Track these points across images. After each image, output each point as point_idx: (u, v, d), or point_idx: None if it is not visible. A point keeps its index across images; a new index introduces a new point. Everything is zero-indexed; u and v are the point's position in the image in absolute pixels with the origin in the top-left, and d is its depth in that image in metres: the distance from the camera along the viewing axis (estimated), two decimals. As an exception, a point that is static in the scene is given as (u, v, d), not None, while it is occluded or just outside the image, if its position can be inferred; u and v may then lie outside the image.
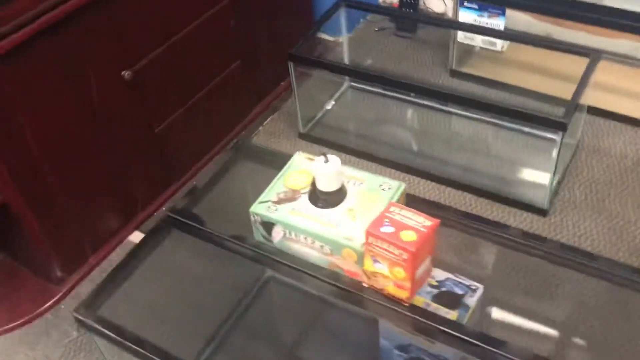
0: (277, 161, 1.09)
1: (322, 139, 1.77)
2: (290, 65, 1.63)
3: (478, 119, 1.74)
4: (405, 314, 0.87)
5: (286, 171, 1.00)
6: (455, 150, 1.72)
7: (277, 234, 0.94)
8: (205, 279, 1.04)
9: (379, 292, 0.89)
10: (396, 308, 0.87)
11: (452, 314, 0.99)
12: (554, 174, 1.41)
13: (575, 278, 1.00)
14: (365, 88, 1.92)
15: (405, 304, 0.87)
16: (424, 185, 1.62)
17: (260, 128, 1.87)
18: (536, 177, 1.60)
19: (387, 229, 0.84)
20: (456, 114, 1.78)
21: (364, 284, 0.90)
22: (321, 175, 0.90)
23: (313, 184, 0.94)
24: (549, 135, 1.62)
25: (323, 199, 0.93)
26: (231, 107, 1.79)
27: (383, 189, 0.95)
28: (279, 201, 0.95)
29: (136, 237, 1.59)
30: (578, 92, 1.36)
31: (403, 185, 0.95)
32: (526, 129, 1.66)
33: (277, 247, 0.95)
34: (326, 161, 0.90)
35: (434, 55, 2.01)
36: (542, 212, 1.50)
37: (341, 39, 1.94)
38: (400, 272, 0.85)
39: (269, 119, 1.90)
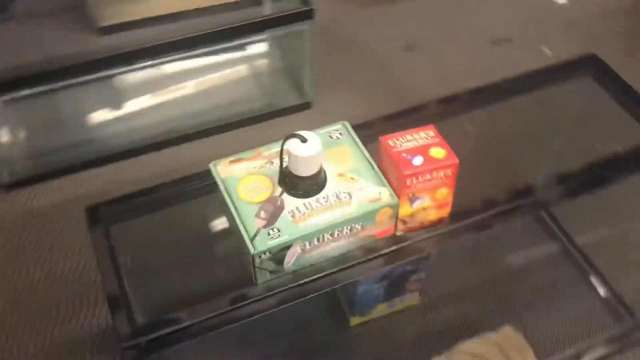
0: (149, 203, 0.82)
1: (35, 176, 1.35)
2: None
3: (179, 58, 1.58)
4: (444, 232, 0.82)
5: (231, 191, 0.75)
6: (181, 100, 1.55)
7: (291, 256, 0.73)
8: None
9: (415, 230, 0.81)
10: (439, 231, 0.81)
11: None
12: (312, 64, 1.42)
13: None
14: (26, 94, 1.51)
15: (447, 221, 0.82)
16: (190, 149, 1.44)
17: None
18: (282, 78, 1.59)
19: (417, 160, 0.75)
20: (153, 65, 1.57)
21: (398, 233, 0.80)
22: (306, 159, 0.72)
23: (285, 177, 0.75)
24: (262, 36, 1.61)
25: (312, 184, 0.75)
26: None
27: (337, 137, 0.82)
28: (269, 222, 0.72)
29: None
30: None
31: (345, 122, 0.84)
32: (233, 44, 1.59)
33: (292, 270, 0.75)
34: (304, 140, 0.72)
35: (53, 24, 1.67)
36: (307, 106, 1.52)
37: None
38: (443, 192, 0.78)
39: None
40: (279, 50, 1.61)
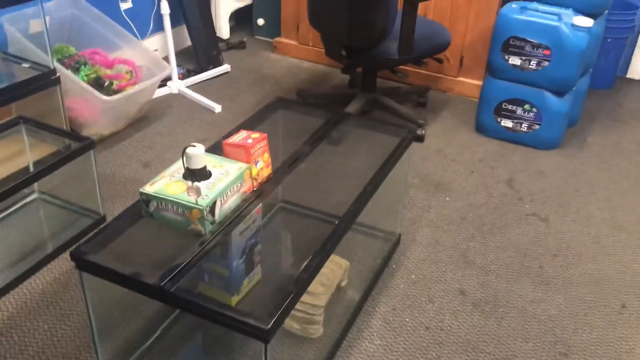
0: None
1: None
2: None
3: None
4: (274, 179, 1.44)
5: (163, 195, 1.23)
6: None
7: (218, 207, 1.25)
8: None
9: (262, 183, 1.40)
10: (268, 186, 1.42)
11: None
12: (99, 184, 1.86)
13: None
14: None
15: (271, 176, 1.44)
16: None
17: None
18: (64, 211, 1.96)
19: (249, 140, 1.36)
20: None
21: (254, 188, 1.38)
22: (200, 155, 1.26)
23: (189, 174, 1.27)
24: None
25: (205, 171, 1.29)
26: None
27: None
28: (198, 194, 1.23)
29: None
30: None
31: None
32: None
33: (218, 220, 1.26)
34: (194, 147, 1.26)
35: None
36: (103, 220, 1.93)
37: None
38: (266, 156, 1.41)
39: None
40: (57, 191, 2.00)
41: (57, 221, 1.96)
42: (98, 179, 1.92)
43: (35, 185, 2.02)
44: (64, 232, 1.88)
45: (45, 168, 1.70)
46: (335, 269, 1.67)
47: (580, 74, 2.41)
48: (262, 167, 1.42)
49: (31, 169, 2.00)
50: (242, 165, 1.36)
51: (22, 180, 1.65)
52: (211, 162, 1.36)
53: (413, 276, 1.79)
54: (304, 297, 1.55)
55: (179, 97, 2.80)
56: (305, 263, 1.57)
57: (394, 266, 1.83)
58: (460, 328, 1.63)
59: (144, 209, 1.29)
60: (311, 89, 2.95)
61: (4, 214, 1.94)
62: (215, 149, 1.49)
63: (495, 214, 2.09)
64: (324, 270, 1.65)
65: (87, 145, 1.80)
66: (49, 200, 2.02)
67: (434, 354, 1.54)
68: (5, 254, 1.80)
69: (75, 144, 1.81)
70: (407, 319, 1.65)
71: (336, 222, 1.39)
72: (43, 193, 2.03)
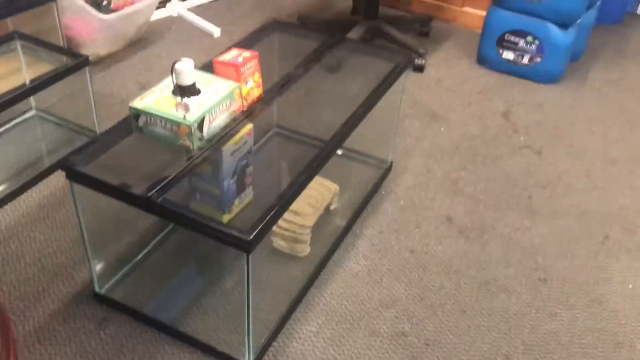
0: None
1: None
2: None
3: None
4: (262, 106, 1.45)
5: (152, 109, 1.25)
6: None
7: (207, 123, 1.26)
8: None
9: (252, 104, 1.41)
10: (258, 106, 1.43)
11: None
12: (95, 103, 1.87)
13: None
14: None
15: (261, 97, 1.44)
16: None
17: None
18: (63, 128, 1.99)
19: (240, 59, 1.36)
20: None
21: (244, 109, 1.39)
22: (190, 71, 1.27)
23: (178, 90, 1.28)
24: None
25: (194, 87, 1.30)
26: None
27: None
28: (186, 110, 1.25)
29: None
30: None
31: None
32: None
33: (207, 137, 1.28)
34: (183, 62, 1.26)
35: None
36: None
37: None
38: (257, 76, 1.41)
39: None
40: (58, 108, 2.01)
41: (54, 138, 1.99)
42: (95, 98, 1.93)
43: (33, 102, 2.04)
44: (60, 149, 1.91)
45: (40, 82, 1.70)
46: (324, 192, 1.70)
47: (586, 7, 2.35)
48: (253, 87, 1.43)
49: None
50: (232, 84, 1.37)
51: (18, 94, 1.66)
52: (201, 79, 1.36)
53: (402, 202, 1.83)
54: (292, 217, 1.59)
55: (178, 19, 2.76)
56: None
57: (383, 192, 1.85)
58: (445, 252, 1.67)
59: (133, 123, 1.31)
60: (313, 14, 2.90)
61: (1, 129, 1.96)
62: (208, 68, 1.49)
63: (489, 145, 2.10)
64: (313, 192, 1.68)
65: (82, 62, 1.79)
66: (46, 118, 2.04)
67: (416, 275, 1.59)
68: (2, 168, 1.83)
69: (71, 60, 1.81)
70: (392, 242, 1.69)
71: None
72: (40, 111, 2.05)
